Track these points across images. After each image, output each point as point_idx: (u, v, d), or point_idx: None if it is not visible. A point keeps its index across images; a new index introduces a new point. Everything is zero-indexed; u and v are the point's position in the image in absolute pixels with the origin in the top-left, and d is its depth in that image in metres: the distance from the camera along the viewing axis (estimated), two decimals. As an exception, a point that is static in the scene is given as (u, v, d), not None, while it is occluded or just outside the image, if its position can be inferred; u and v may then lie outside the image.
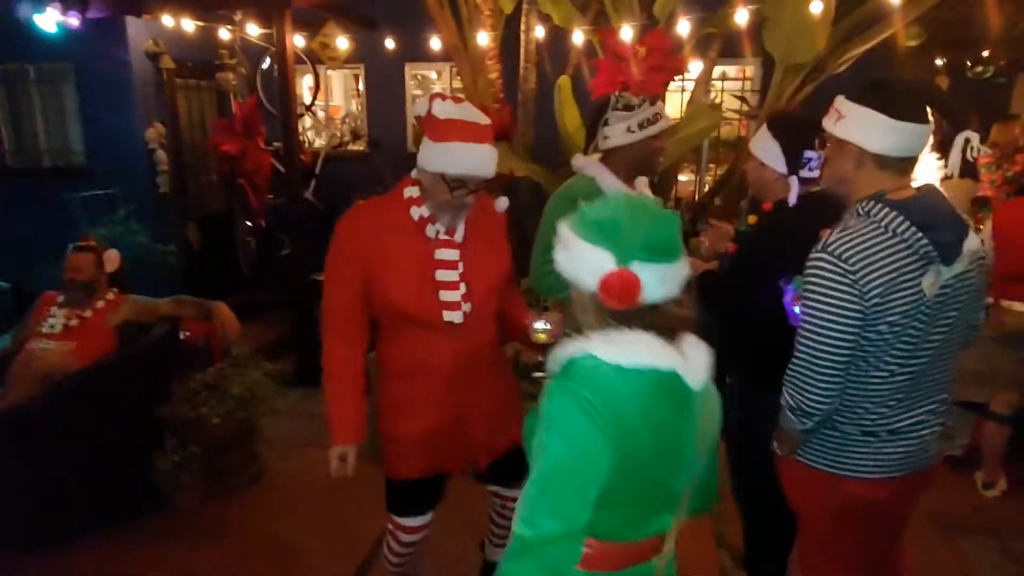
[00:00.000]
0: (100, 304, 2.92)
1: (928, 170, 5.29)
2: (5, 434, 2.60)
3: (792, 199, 2.02)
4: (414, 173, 1.82)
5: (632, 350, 1.09)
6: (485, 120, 1.77)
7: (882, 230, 1.48)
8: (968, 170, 5.38)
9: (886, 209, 1.49)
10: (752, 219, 2.23)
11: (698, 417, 1.16)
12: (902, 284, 1.46)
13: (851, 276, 1.46)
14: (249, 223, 5.17)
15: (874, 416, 1.58)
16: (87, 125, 5.09)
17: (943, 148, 5.56)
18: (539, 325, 1.81)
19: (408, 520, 1.99)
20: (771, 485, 2.29)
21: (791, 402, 1.58)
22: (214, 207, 5.54)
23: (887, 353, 1.52)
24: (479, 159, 1.72)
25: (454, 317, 1.80)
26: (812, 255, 1.54)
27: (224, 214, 5.27)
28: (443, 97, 1.75)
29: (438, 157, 1.71)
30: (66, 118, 5.22)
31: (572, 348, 1.13)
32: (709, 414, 1.20)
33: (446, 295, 1.79)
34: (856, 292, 1.45)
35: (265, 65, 5.64)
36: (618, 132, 2.19)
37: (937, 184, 5.34)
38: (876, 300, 1.45)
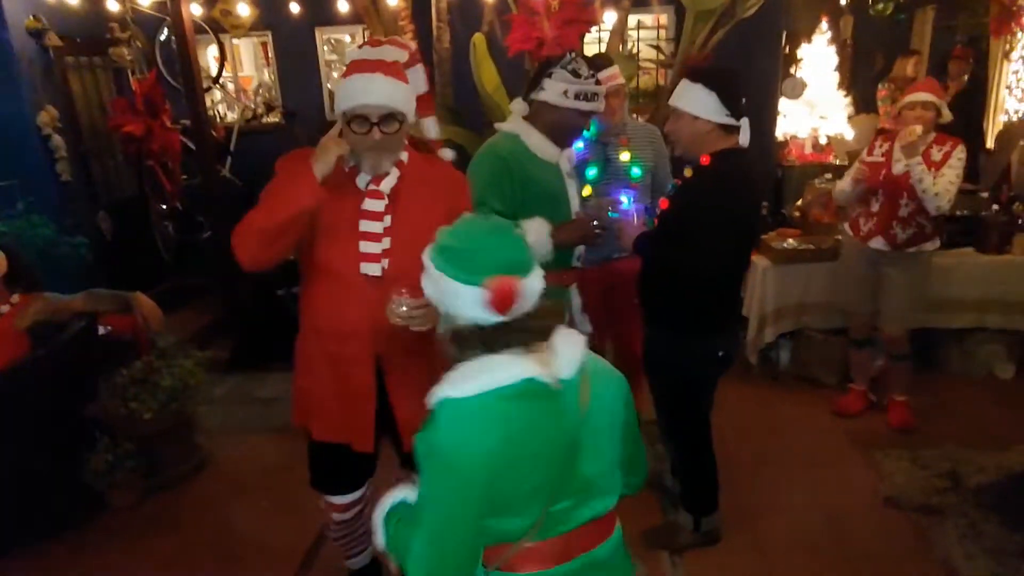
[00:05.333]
0: (5, 309, 2.76)
1: (836, 107, 5.51)
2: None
3: (744, 141, 2.06)
4: None
5: (479, 378, 1.11)
6: (393, 56, 1.72)
7: None
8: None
9: None
10: (688, 172, 2.16)
11: (575, 406, 1.16)
12: None
13: None
14: (164, 206, 4.93)
15: None
16: (-30, 114, 4.69)
17: (849, 87, 5.79)
18: (395, 306, 1.59)
19: (332, 497, 1.98)
20: (697, 420, 2.43)
21: None
22: (125, 192, 5.24)
23: None
24: (367, 87, 1.66)
25: (371, 270, 1.75)
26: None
27: (136, 198, 4.99)
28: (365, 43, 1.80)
29: (337, 97, 1.73)
30: (-55, 107, 4.78)
31: (432, 397, 1.14)
32: (598, 398, 1.20)
33: (366, 246, 1.75)
34: None
35: (163, 37, 5.31)
36: (555, 90, 2.15)
37: (844, 120, 5.59)
38: None
